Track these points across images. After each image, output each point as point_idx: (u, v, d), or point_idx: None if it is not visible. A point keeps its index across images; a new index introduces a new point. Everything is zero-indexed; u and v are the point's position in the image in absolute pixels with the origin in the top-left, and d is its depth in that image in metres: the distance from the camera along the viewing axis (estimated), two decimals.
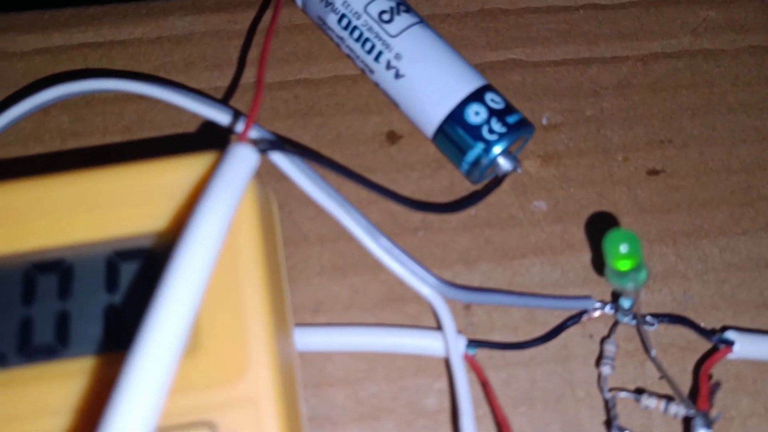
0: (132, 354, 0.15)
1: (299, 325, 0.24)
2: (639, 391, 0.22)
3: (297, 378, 0.21)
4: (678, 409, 0.21)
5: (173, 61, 0.27)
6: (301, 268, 0.24)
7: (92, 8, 0.28)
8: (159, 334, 0.15)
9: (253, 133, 0.23)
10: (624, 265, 0.19)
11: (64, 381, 0.17)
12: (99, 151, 0.26)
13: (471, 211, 0.25)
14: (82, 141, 0.26)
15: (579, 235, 0.25)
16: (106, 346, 0.18)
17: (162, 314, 0.15)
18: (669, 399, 0.22)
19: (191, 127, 0.26)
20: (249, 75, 0.27)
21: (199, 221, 0.16)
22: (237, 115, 0.24)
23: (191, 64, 0.27)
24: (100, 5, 0.28)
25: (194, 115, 0.26)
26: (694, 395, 0.22)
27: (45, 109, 0.26)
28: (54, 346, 0.18)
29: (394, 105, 0.26)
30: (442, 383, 0.23)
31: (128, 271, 0.19)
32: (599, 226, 0.25)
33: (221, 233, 0.16)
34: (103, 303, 0.19)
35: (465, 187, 0.26)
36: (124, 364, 0.15)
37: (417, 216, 0.25)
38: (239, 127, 0.24)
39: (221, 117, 0.23)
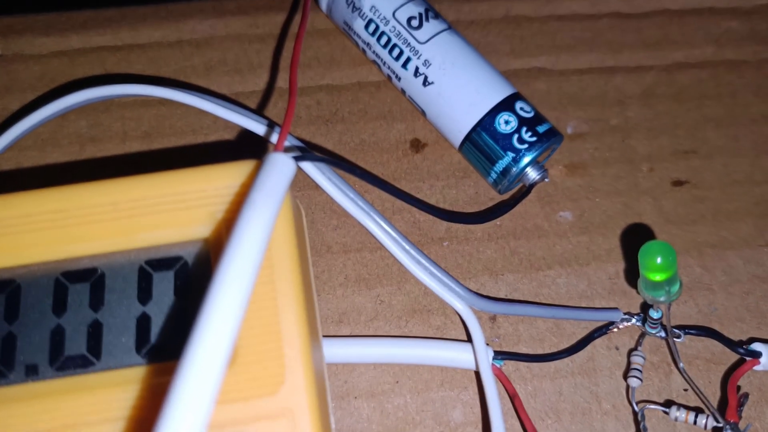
0: (182, 365, 0.15)
1: (324, 336, 0.24)
2: (668, 404, 0.23)
3: (327, 390, 0.21)
4: (707, 421, 0.22)
5: (193, 65, 0.28)
6: (325, 279, 0.25)
7: (111, 11, 0.28)
8: (209, 344, 0.15)
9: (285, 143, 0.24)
10: (659, 277, 0.20)
11: (97, 393, 0.17)
12: (119, 158, 0.26)
13: (496, 221, 0.26)
14: (101, 146, 0.26)
15: (605, 245, 0.25)
16: (140, 357, 0.18)
17: (213, 324, 0.15)
18: (698, 411, 0.22)
19: (211, 133, 0.26)
20: (271, 80, 0.27)
21: (245, 230, 0.16)
22: (271, 124, 0.24)
23: (211, 68, 0.27)
24: (119, 8, 0.28)
25: (214, 121, 0.27)
26: (721, 407, 0.23)
27: (63, 114, 0.26)
28: (86, 357, 0.18)
29: (418, 112, 0.27)
30: (468, 395, 0.23)
31: (161, 281, 0.19)
32: (627, 233, 0.26)
33: (264, 243, 0.17)
34: (135, 313, 0.19)
35: (490, 197, 0.26)
36: (175, 374, 0.15)
37: (442, 226, 0.25)
38: (272, 135, 0.24)
39: (254, 126, 0.24)
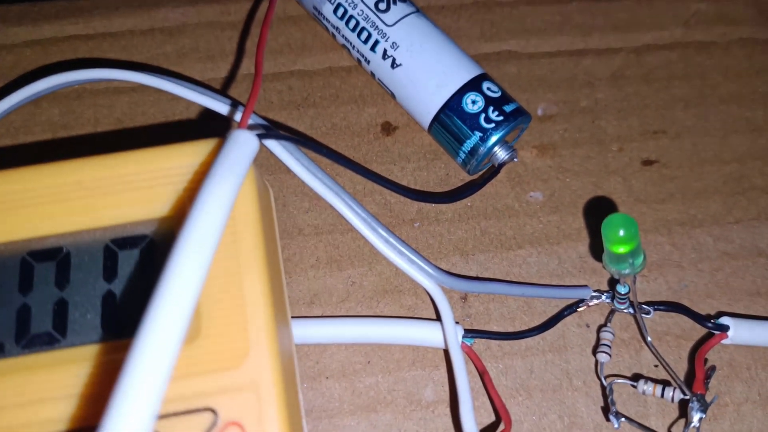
0: (136, 340, 0.15)
1: (295, 317, 0.24)
2: (636, 378, 0.23)
3: (295, 369, 0.21)
4: (674, 394, 0.22)
5: (165, 53, 0.28)
6: (296, 261, 0.25)
7: (83, 0, 0.28)
8: (163, 319, 0.15)
9: (251, 121, 0.24)
10: (622, 249, 0.20)
11: (63, 369, 0.18)
12: (90, 140, 0.26)
13: (467, 202, 0.26)
14: (73, 133, 0.26)
15: (575, 225, 0.26)
16: (104, 334, 0.18)
17: (166, 299, 0.16)
18: (665, 384, 0.22)
19: (184, 119, 0.27)
20: (243, 66, 0.28)
21: (203, 205, 0.17)
22: (235, 103, 0.24)
23: (184, 55, 0.28)
24: None
25: (187, 107, 0.27)
26: (689, 381, 0.23)
27: (35, 101, 0.26)
28: (52, 335, 0.18)
29: (389, 96, 0.27)
30: (440, 374, 0.24)
31: (126, 259, 0.19)
32: (597, 213, 0.26)
33: (224, 217, 0.17)
34: (101, 291, 0.19)
35: (461, 178, 0.26)
36: (129, 350, 0.15)
37: (413, 207, 0.26)
38: (237, 115, 0.24)
39: (218, 106, 0.24)
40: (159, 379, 0.15)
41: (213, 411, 0.17)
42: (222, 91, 0.27)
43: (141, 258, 0.19)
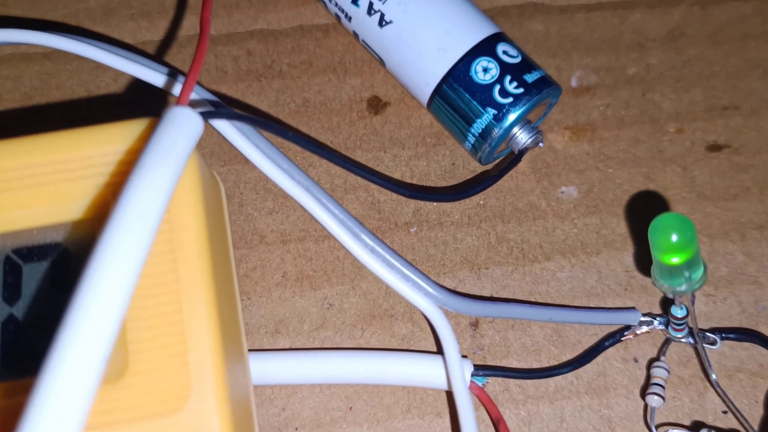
0: (39, 381, 0.16)
1: (254, 350, 0.25)
2: (696, 426, 0.24)
3: (253, 418, 0.22)
4: None
5: (87, 8, 0.29)
6: (257, 277, 0.26)
7: None
8: (73, 353, 0.16)
9: (194, 96, 0.24)
10: (676, 259, 0.21)
11: None
12: None
13: (478, 200, 0.26)
14: None
15: (620, 229, 0.26)
16: (4, 371, 0.19)
17: (78, 326, 0.16)
18: None
19: (110, 94, 0.27)
20: (187, 26, 0.28)
21: (129, 203, 0.17)
22: (175, 73, 0.25)
23: (111, 12, 0.29)
24: None
25: (114, 78, 0.27)
26: (766, 430, 0.24)
27: None
28: None
29: (377, 63, 0.27)
30: (442, 424, 0.24)
31: (33, 275, 0.20)
32: (648, 214, 0.26)
33: (157, 219, 0.17)
34: (0, 316, 0.19)
35: (470, 169, 0.27)
36: (30, 394, 0.16)
37: (408, 207, 0.26)
38: (177, 89, 0.25)
39: (155, 77, 0.24)
40: (70, 426, 0.15)
41: None
42: (160, 57, 0.28)
43: (51, 273, 0.20)
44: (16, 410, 0.18)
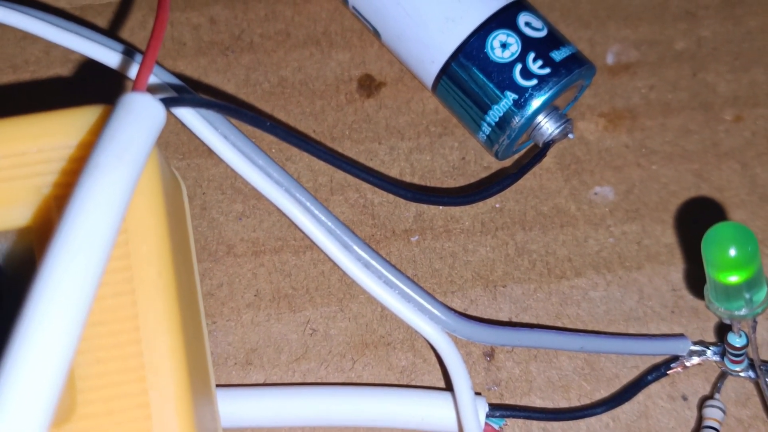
0: None
1: (223, 386, 0.26)
2: None
3: None
4: None
5: None
6: (224, 297, 0.27)
7: None
8: (14, 395, 0.17)
9: (154, 79, 0.25)
10: (735, 277, 0.22)
11: None
12: None
13: (494, 203, 0.28)
14: None
15: (665, 239, 0.27)
16: None
17: (20, 362, 0.17)
18: None
19: (42, 71, 0.28)
20: None
21: (83, 209, 0.18)
22: (125, 48, 0.26)
23: None
24: None
25: (46, 52, 0.28)
26: None
27: None
28: None
29: (371, 35, 0.28)
30: None
31: None
32: (700, 221, 0.27)
33: (114, 228, 0.18)
34: None
35: (484, 165, 0.28)
36: None
37: (409, 212, 0.27)
38: (129, 68, 0.26)
39: (100, 52, 0.25)
40: None
41: None
42: (102, 26, 0.29)
43: None
44: None
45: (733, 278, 0.22)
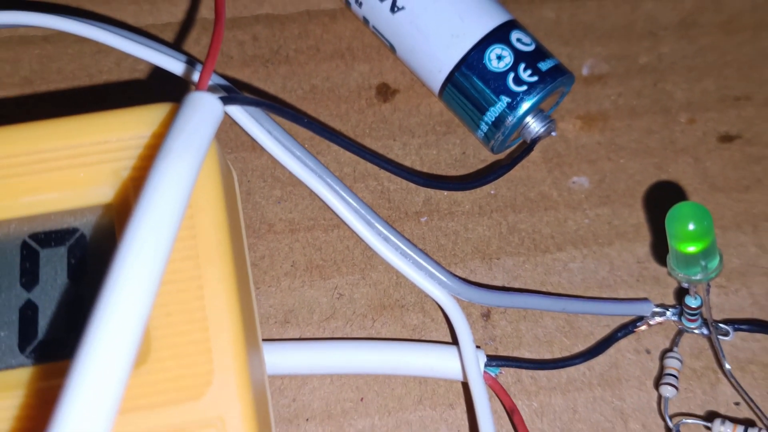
0: (75, 365, 0.17)
1: (265, 340, 0.26)
2: (710, 416, 0.25)
3: (268, 406, 0.23)
4: None
5: None
6: (266, 267, 0.27)
7: None
8: (109, 338, 0.17)
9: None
10: (692, 248, 0.22)
11: None
12: None
13: (490, 189, 0.28)
14: None
15: (632, 219, 0.28)
16: (23, 357, 0.20)
17: (112, 313, 0.17)
18: (748, 425, 0.24)
19: (113, 78, 0.28)
20: (191, 8, 0.30)
21: (158, 187, 0.18)
22: (185, 57, 0.26)
23: None
24: None
25: (117, 63, 0.29)
26: None
27: None
28: None
29: (387, 49, 0.29)
30: (455, 415, 0.25)
31: (50, 260, 0.21)
32: (661, 204, 0.28)
33: (183, 205, 0.19)
34: (18, 302, 0.20)
35: (481, 158, 0.28)
36: (67, 379, 0.17)
37: (419, 196, 0.28)
38: (183, 71, 0.26)
39: (165, 60, 0.26)
40: (105, 412, 0.17)
41: None
42: (164, 41, 0.29)
43: (69, 259, 0.21)
44: (34, 396, 0.19)
45: (691, 248, 0.23)
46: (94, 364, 0.17)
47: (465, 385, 0.26)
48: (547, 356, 0.26)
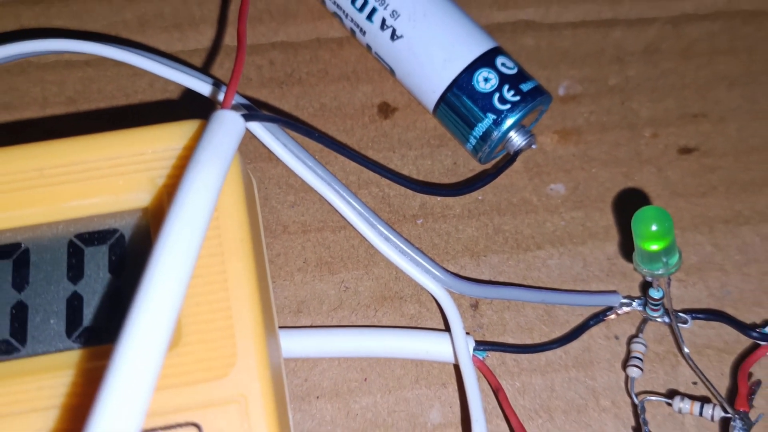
0: (118, 347, 0.17)
1: (280, 327, 0.26)
2: (671, 394, 0.26)
3: (284, 385, 0.24)
4: (714, 412, 0.24)
5: (124, 20, 0.30)
6: (281, 263, 0.27)
7: None
8: (147, 324, 0.17)
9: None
10: (655, 246, 0.23)
11: (23, 381, 0.20)
12: (39, 123, 0.28)
13: (478, 195, 0.28)
14: (16, 115, 0.28)
15: (602, 222, 0.28)
16: (70, 341, 0.21)
17: (152, 303, 0.18)
18: (704, 402, 0.25)
19: (147, 98, 0.29)
20: (216, 36, 0.30)
21: (189, 192, 0.19)
22: (210, 79, 0.27)
23: (146, 23, 0.30)
24: None
25: (150, 84, 0.29)
26: (731, 398, 0.25)
27: None
28: (10, 343, 0.20)
29: (387, 72, 0.29)
30: (447, 393, 0.26)
31: (94, 257, 0.21)
32: (627, 208, 0.28)
33: (211, 206, 0.19)
34: (65, 293, 0.21)
35: (470, 168, 0.29)
36: (111, 360, 0.17)
37: (415, 201, 0.28)
38: (208, 91, 0.26)
39: (193, 82, 0.26)
40: (144, 390, 0.17)
41: (197, 426, 0.19)
42: (194, 65, 0.29)
43: (110, 255, 0.21)
44: (81, 376, 0.20)
45: (654, 247, 0.23)
46: (134, 348, 0.17)
47: (456, 367, 0.26)
48: (528, 341, 0.27)
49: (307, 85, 0.29)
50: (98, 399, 0.17)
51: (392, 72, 0.28)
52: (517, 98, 0.26)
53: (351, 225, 0.26)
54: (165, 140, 0.21)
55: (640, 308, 0.26)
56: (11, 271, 0.21)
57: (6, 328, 0.21)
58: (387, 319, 0.27)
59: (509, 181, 0.29)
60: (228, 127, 0.21)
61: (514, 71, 0.27)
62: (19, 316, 0.21)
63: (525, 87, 0.27)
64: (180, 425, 0.19)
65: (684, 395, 0.25)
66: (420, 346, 0.26)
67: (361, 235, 0.26)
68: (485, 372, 0.26)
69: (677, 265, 0.24)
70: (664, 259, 0.23)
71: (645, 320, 0.27)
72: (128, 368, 0.17)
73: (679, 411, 0.25)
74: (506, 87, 0.26)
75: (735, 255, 0.28)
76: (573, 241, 0.28)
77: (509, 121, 0.26)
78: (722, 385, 0.26)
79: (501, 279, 0.27)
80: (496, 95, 0.26)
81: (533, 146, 0.27)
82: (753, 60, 0.31)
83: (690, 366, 0.26)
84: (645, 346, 0.26)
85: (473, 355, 0.25)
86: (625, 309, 0.27)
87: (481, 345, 0.26)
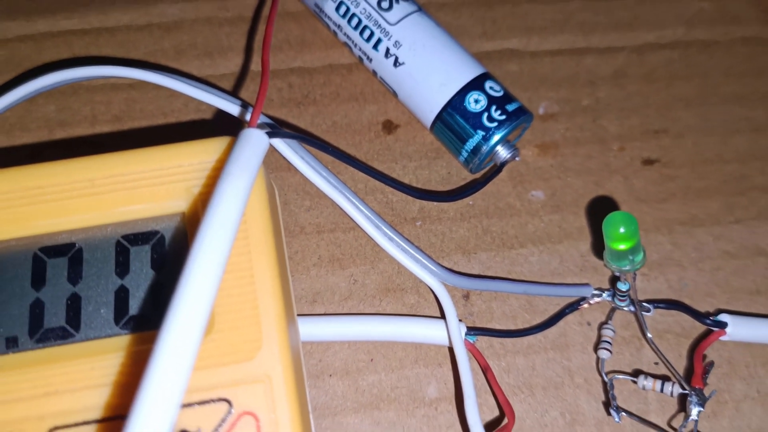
0: (163, 332, 0.17)
1: (298, 315, 0.26)
2: (636, 374, 0.26)
3: (302, 366, 0.24)
4: (673, 389, 0.25)
5: (163, 49, 0.30)
6: (299, 259, 0.27)
7: None
8: (187, 313, 0.17)
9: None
10: (623, 246, 0.23)
11: (77, 362, 0.20)
12: (89, 138, 0.28)
13: (469, 201, 0.28)
14: (70, 131, 0.29)
15: (577, 223, 0.28)
16: (118, 328, 0.21)
17: (191, 294, 0.18)
18: (665, 380, 0.25)
19: (183, 116, 0.29)
20: (242, 63, 0.30)
21: (221, 200, 0.19)
22: (238, 100, 0.27)
23: (181, 52, 0.30)
24: None
25: (185, 104, 0.29)
26: (688, 377, 0.26)
27: (30, 98, 0.28)
28: (66, 329, 0.21)
29: (391, 94, 0.29)
30: (442, 372, 0.26)
31: (138, 255, 0.21)
32: (598, 212, 0.28)
33: (240, 211, 0.19)
34: (113, 286, 0.21)
35: (462, 177, 0.29)
36: (156, 342, 0.17)
37: (415, 206, 0.28)
38: (236, 111, 0.27)
39: (222, 103, 0.26)
40: (184, 370, 0.17)
41: (228, 401, 0.20)
42: (223, 88, 0.29)
43: (152, 254, 0.21)
44: (127, 357, 0.20)
45: (622, 246, 0.23)
46: (175, 333, 0.17)
47: (450, 350, 0.26)
48: (512, 327, 0.27)
49: (321, 105, 0.30)
50: (145, 377, 0.17)
51: (395, 94, 0.28)
52: (503, 117, 0.26)
53: (359, 226, 0.26)
54: (199, 154, 0.21)
55: (609, 299, 0.27)
56: (67, 267, 0.21)
57: (62, 317, 0.21)
58: (390, 308, 0.27)
59: (496, 188, 0.29)
60: (254, 143, 0.21)
61: (501, 93, 0.27)
62: (74, 306, 0.21)
63: (510, 107, 0.27)
64: (213, 401, 0.20)
65: (647, 374, 0.25)
66: (419, 331, 0.26)
67: (367, 235, 0.26)
68: (475, 353, 0.26)
69: (642, 261, 0.24)
70: (631, 257, 0.23)
71: (613, 309, 0.27)
72: (171, 351, 0.17)
73: (643, 388, 0.25)
74: (494, 107, 0.26)
75: (691, 252, 0.28)
76: (551, 241, 0.28)
77: (496, 137, 0.26)
78: (680, 365, 0.26)
79: (489, 273, 0.27)
80: (485, 114, 0.26)
81: (517, 158, 0.27)
82: (707, 84, 0.31)
83: (652, 349, 0.26)
84: (613, 331, 0.26)
85: (465, 339, 0.26)
86: (596, 299, 0.27)
87: (472, 330, 0.26)
